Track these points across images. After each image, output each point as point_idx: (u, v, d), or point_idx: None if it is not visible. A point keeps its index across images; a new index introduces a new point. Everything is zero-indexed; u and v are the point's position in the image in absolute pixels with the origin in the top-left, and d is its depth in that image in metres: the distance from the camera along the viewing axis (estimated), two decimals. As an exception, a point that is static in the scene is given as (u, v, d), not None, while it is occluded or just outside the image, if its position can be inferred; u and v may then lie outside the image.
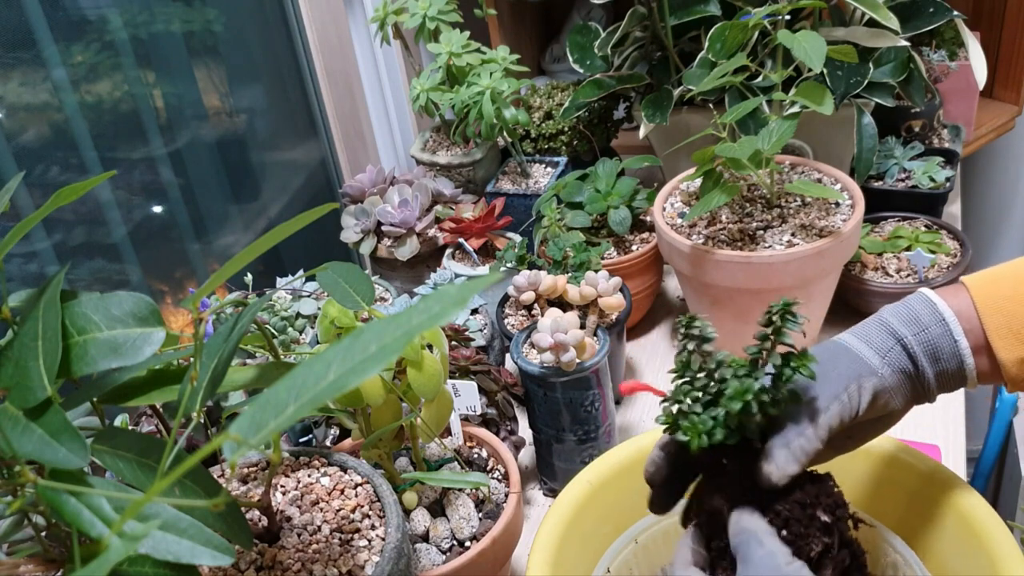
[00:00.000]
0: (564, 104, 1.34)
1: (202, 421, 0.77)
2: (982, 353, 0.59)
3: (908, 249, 1.14)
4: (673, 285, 1.30)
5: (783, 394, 0.57)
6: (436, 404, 0.77)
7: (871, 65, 1.11)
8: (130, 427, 0.89)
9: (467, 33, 1.29)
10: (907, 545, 0.68)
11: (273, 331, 1.06)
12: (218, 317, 0.94)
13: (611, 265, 1.12)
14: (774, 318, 0.57)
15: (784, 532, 0.55)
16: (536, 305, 1.01)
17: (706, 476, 0.60)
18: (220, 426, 0.82)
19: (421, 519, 0.80)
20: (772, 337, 0.58)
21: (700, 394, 0.57)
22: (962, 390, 0.67)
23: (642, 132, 1.22)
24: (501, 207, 1.22)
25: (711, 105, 1.16)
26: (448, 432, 0.89)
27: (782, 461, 0.55)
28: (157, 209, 1.23)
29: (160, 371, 0.57)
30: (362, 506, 0.69)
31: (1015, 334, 0.58)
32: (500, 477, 0.86)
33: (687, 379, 0.58)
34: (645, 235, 1.19)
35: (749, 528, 0.55)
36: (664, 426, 0.59)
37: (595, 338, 0.94)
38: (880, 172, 1.26)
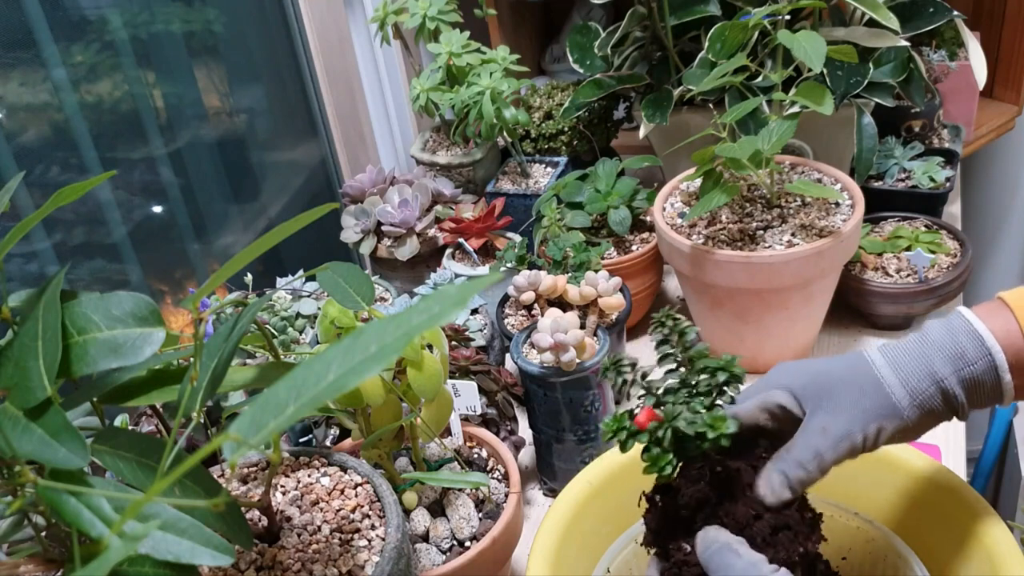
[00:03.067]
0: (564, 104, 1.34)
1: (202, 421, 0.77)
2: (1021, 374, 0.57)
3: (908, 249, 1.14)
4: (673, 285, 1.30)
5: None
6: (436, 404, 0.77)
7: (871, 65, 1.11)
8: (130, 427, 0.89)
9: (467, 33, 1.29)
10: (907, 545, 0.68)
11: (273, 331, 1.06)
12: (218, 317, 0.94)
13: (611, 265, 1.12)
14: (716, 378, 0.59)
15: (777, 536, 0.56)
16: (536, 305, 1.01)
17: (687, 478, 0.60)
18: (220, 426, 0.82)
19: (421, 519, 0.80)
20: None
21: (692, 391, 0.58)
22: None
23: (642, 132, 1.21)
24: (501, 207, 1.22)
25: (711, 105, 1.16)
26: (448, 432, 0.89)
27: (777, 487, 0.56)
28: (157, 209, 1.23)
29: (160, 371, 0.57)
30: (362, 506, 0.69)
31: None
32: (500, 477, 0.86)
33: (680, 381, 0.59)
34: (645, 235, 1.19)
35: (720, 539, 0.55)
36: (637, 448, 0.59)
37: (595, 338, 0.94)
38: (880, 172, 1.26)
